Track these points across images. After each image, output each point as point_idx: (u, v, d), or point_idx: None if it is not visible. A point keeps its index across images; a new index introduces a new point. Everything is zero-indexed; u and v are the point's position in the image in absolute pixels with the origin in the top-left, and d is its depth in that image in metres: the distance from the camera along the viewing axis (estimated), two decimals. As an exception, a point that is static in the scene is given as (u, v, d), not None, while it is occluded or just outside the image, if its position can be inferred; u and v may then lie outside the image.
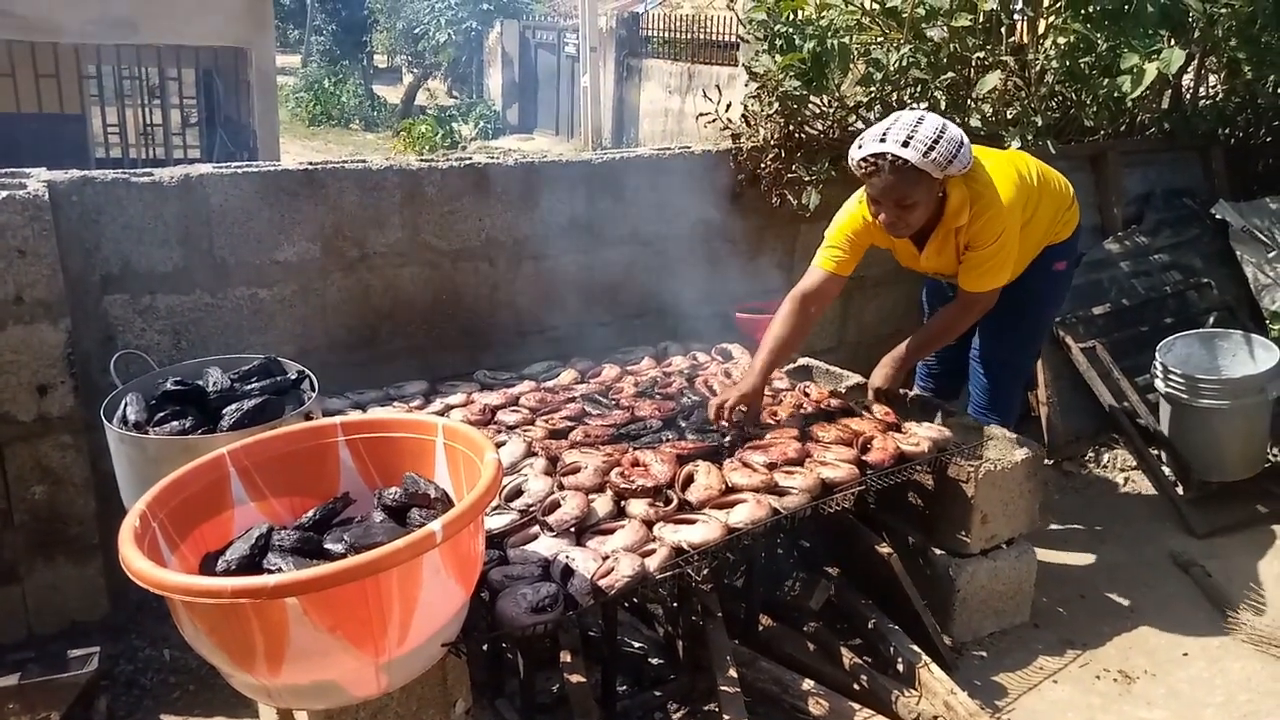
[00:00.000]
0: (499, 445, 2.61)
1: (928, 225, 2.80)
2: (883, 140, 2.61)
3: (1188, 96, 4.77)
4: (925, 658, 2.59)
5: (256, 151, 7.92)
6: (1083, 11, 3.59)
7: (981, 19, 3.71)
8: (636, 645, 2.75)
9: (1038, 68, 3.79)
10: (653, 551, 2.20)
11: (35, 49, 7.57)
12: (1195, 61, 4.54)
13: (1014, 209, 2.78)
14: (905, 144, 2.58)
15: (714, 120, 3.84)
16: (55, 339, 2.60)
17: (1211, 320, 4.21)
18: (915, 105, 3.63)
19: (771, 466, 2.54)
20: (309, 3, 21.44)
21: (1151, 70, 3.42)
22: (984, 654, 2.89)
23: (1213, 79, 4.88)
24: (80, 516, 2.73)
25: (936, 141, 2.58)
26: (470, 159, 3.31)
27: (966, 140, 2.66)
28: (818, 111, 3.81)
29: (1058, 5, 3.69)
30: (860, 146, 2.66)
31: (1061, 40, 3.69)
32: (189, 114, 9.52)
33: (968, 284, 2.87)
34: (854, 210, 2.90)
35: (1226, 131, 4.84)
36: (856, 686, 2.56)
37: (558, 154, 3.60)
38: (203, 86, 9.31)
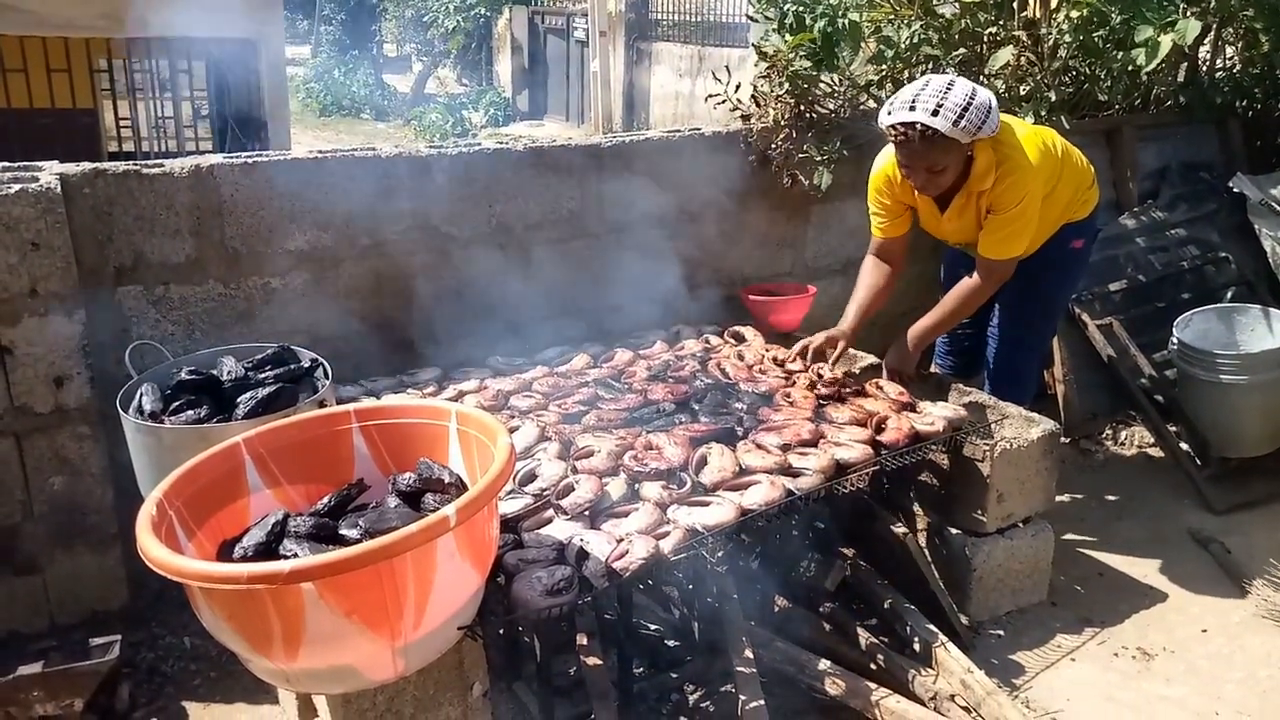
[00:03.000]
0: (512, 430, 2.61)
1: (952, 187, 2.83)
2: (912, 109, 2.63)
3: (1204, 68, 4.69)
4: (942, 637, 2.58)
5: (268, 143, 7.91)
6: (1096, -17, 3.55)
7: (993, -7, 3.68)
8: (652, 627, 2.76)
9: (1051, 42, 3.75)
10: (667, 534, 2.20)
11: (47, 44, 7.60)
12: (1211, 32, 4.47)
13: (1039, 174, 2.80)
14: (935, 113, 2.61)
15: (724, 102, 3.82)
16: (70, 331, 2.61)
17: (1229, 295, 4.17)
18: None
19: (785, 448, 2.54)
20: (318, -7, 21.44)
21: (1167, 42, 3.38)
22: (1001, 633, 2.88)
23: (1229, 50, 4.80)
24: (98, 506, 2.76)
25: (966, 109, 2.61)
26: (480, 145, 3.30)
27: (995, 104, 2.69)
28: (828, 91, 3.79)
29: (1071, -22, 3.65)
30: (890, 113, 2.69)
31: (1075, 14, 3.64)
32: (199, 106, 9.53)
33: (987, 250, 2.87)
34: (877, 172, 3.01)
35: (1244, 104, 4.77)
36: (873, 666, 2.57)
37: (567, 138, 3.58)
38: (213, 79, 9.32)
